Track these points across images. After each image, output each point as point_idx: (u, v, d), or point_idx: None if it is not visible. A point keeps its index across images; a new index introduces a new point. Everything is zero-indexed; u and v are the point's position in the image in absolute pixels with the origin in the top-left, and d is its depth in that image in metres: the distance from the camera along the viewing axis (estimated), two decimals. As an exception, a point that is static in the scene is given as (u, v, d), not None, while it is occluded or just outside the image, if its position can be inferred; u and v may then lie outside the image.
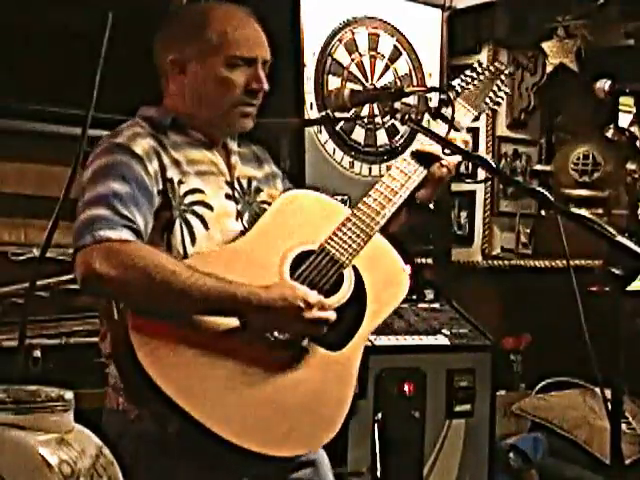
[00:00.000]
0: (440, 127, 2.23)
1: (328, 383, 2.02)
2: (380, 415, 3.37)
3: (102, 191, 1.95)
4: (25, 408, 2.18)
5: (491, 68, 2.46)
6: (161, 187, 2.02)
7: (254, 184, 2.21)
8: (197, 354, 1.92)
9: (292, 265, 2.06)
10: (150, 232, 2.00)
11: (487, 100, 2.43)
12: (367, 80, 3.96)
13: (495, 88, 2.44)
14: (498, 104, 2.47)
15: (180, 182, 2.05)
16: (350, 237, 2.10)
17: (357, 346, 2.06)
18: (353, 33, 3.92)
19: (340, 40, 3.88)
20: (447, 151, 2.16)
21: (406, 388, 3.53)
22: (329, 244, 2.08)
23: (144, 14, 3.26)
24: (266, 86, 2.12)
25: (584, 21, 4.29)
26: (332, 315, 2.00)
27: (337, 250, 2.08)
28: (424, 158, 2.23)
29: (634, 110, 4.36)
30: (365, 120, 3.93)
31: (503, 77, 2.46)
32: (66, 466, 2.13)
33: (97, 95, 2.66)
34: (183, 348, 1.91)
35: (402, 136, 4.06)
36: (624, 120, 4.42)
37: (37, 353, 2.96)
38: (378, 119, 3.95)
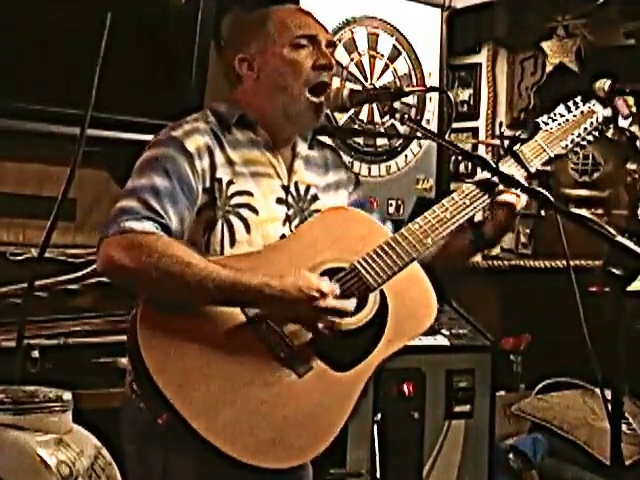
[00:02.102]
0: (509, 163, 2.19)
1: (324, 402, 1.99)
2: (379, 416, 3.36)
3: (141, 183, 2.00)
4: (24, 409, 2.18)
5: (584, 109, 2.34)
6: (208, 185, 2.05)
7: (312, 191, 2.20)
8: (200, 354, 1.92)
9: None
10: (191, 229, 2.04)
11: (569, 142, 2.30)
12: (366, 80, 3.96)
13: (582, 132, 2.31)
14: (582, 147, 2.33)
15: (230, 182, 2.07)
16: (385, 261, 2.04)
17: (364, 371, 2.03)
18: (352, 33, 3.92)
19: (339, 40, 3.87)
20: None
21: (405, 389, 3.52)
22: (361, 265, 2.04)
23: (143, 14, 3.26)
24: (333, 62, 2.13)
25: (584, 21, 4.28)
26: (349, 305, 1.97)
27: (367, 272, 2.03)
28: (483, 190, 2.16)
29: (634, 110, 4.35)
30: (364, 120, 3.93)
31: (595, 120, 2.34)
32: (64, 467, 2.13)
33: (96, 95, 2.66)
34: (187, 345, 1.92)
35: (401, 136, 4.05)
36: (624, 120, 4.40)
37: (36, 353, 2.96)
38: (377, 119, 3.94)
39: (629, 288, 2.03)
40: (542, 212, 4.61)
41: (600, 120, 2.34)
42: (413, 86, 4.01)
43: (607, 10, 4.15)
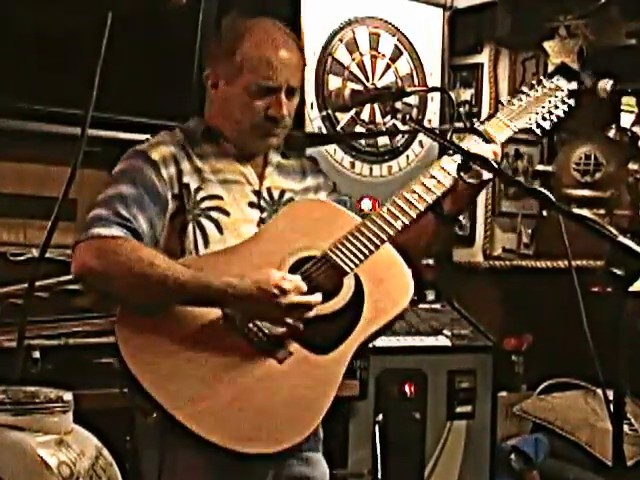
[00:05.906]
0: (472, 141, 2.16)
1: (306, 385, 2.01)
2: (381, 416, 3.37)
3: (110, 193, 2.09)
4: (24, 409, 2.18)
5: (547, 86, 2.33)
6: (177, 191, 2.12)
7: (287, 195, 2.25)
8: (178, 350, 1.98)
9: (291, 269, 2.07)
10: (166, 235, 2.12)
11: (533, 117, 2.27)
12: (368, 80, 3.95)
13: (547, 106, 2.29)
14: (551, 122, 2.30)
15: (198, 189, 2.13)
16: (356, 246, 2.09)
17: (345, 352, 2.06)
18: (354, 32, 3.91)
19: (341, 39, 3.87)
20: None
21: (407, 389, 3.52)
22: (332, 251, 2.08)
23: (144, 14, 3.26)
24: (285, 112, 2.14)
25: (586, 20, 4.27)
26: (314, 298, 2.01)
27: (339, 257, 2.07)
28: (450, 170, 2.16)
29: (636, 110, 4.34)
30: (366, 120, 3.92)
31: (561, 95, 2.32)
32: (65, 467, 2.12)
33: (96, 95, 2.66)
34: (165, 344, 1.98)
35: (403, 136, 4.05)
36: (626, 120, 4.40)
37: (36, 354, 2.95)
38: (379, 119, 3.94)
39: (631, 288, 2.03)
40: (544, 212, 4.62)
41: (566, 94, 2.32)
42: (415, 86, 4.01)
43: (609, 10, 4.15)
